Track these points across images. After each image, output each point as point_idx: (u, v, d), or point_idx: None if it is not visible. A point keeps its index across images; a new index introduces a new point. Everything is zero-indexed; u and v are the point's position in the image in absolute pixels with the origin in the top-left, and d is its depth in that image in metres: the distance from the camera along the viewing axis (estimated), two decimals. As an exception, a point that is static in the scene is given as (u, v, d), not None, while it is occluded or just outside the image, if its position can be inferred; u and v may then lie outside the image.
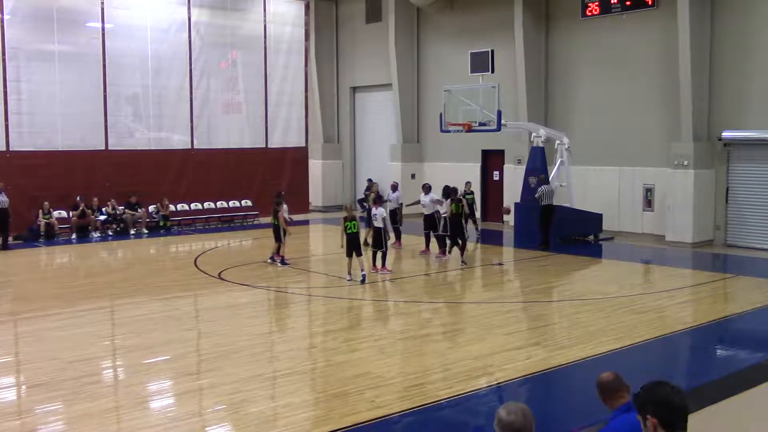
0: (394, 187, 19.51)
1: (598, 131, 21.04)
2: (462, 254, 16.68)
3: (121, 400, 8.05)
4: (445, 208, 16.76)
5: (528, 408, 3.37)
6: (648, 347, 9.98)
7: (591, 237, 19.87)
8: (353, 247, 14.21)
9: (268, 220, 17.51)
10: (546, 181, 18.43)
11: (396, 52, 25.91)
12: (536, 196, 18.20)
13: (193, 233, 22.35)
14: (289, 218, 16.91)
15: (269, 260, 16.38)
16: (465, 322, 11.60)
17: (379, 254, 15.38)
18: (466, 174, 24.19)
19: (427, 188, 17.83)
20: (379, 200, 16.09)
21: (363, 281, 14.15)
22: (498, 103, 18.55)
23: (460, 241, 16.82)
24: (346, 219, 14.44)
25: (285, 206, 16.55)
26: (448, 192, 17.14)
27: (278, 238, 16.21)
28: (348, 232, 14.25)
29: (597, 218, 19.85)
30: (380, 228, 15.24)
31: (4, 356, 9.90)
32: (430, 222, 17.52)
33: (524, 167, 20.31)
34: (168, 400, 8.23)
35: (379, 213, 15.24)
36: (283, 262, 16.16)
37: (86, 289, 14.41)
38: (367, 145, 29.04)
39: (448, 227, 16.78)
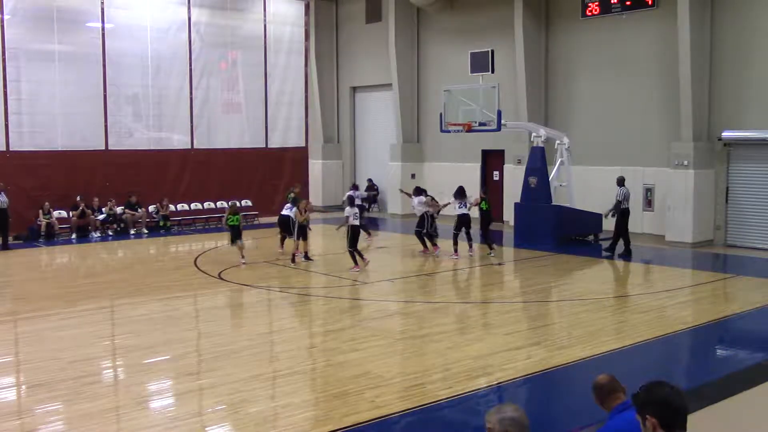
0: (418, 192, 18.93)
1: (598, 131, 21.05)
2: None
3: (121, 400, 8.05)
4: (466, 209, 17.31)
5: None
6: (648, 347, 9.98)
7: (591, 237, 19.87)
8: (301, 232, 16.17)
9: (273, 219, 17.64)
10: (623, 183, 17.57)
11: (396, 52, 25.92)
12: (619, 201, 17.37)
13: (193, 233, 22.35)
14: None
15: (304, 258, 16.64)
16: (465, 322, 11.60)
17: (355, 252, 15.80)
18: (467, 174, 24.23)
19: (416, 191, 18.48)
20: (350, 201, 16.51)
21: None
22: (498, 103, 18.55)
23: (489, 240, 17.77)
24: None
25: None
26: (462, 192, 17.48)
27: (304, 235, 16.68)
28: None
29: (597, 218, 19.83)
30: (357, 226, 15.80)
31: (4, 356, 9.91)
32: (421, 223, 17.90)
33: (524, 167, 20.30)
34: (168, 400, 8.23)
35: (351, 213, 15.73)
36: (298, 258, 16.60)
37: (86, 289, 14.41)
38: (367, 145, 29.05)
39: (483, 226, 17.53)
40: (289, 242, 17.15)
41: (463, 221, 17.25)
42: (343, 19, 29.13)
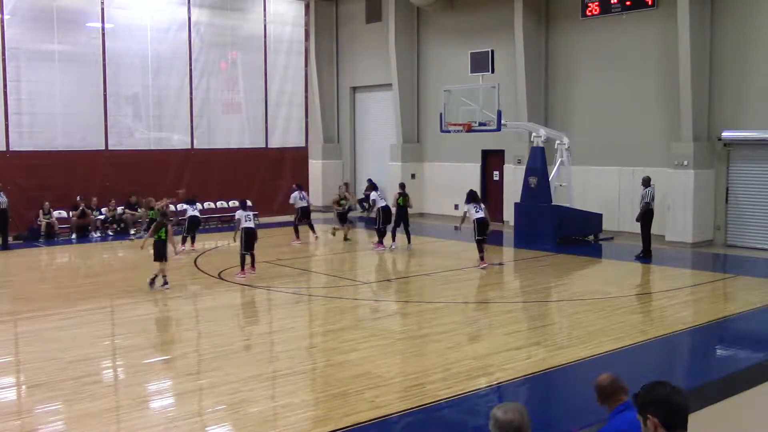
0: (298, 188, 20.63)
1: (598, 131, 21.04)
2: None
3: (121, 400, 8.05)
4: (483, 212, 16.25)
5: (524, 407, 3.37)
6: (648, 347, 9.98)
7: (591, 237, 19.88)
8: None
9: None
10: (649, 183, 17.35)
11: (396, 52, 25.91)
12: (648, 203, 17.13)
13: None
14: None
15: (153, 286, 13.73)
16: (465, 322, 11.59)
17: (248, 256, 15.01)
18: (466, 174, 24.27)
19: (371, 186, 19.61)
20: (244, 205, 15.81)
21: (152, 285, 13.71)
22: (498, 103, 18.55)
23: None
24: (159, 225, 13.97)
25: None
26: (476, 196, 16.72)
27: (164, 255, 13.75)
28: (157, 238, 13.72)
29: (597, 218, 19.85)
30: (255, 229, 15.10)
31: (4, 356, 9.91)
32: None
33: (524, 167, 20.31)
34: (168, 400, 8.23)
35: (243, 215, 15.08)
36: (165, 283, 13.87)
37: (86, 289, 14.41)
38: (367, 145, 29.04)
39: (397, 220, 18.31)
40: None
41: (482, 225, 15.91)
42: (343, 19, 29.12)
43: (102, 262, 18.68)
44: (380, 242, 18.54)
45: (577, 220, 19.64)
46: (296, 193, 20.19)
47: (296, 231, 19.84)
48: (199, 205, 20.05)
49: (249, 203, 18.01)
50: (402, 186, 19.36)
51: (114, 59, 22.35)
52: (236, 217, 15.44)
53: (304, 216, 20.10)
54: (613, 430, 4.22)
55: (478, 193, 18.09)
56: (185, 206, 19.37)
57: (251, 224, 15.06)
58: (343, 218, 20.29)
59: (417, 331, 10.88)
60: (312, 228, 20.46)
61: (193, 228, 18.81)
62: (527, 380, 8.55)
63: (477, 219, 15.85)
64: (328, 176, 29.15)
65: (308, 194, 21.64)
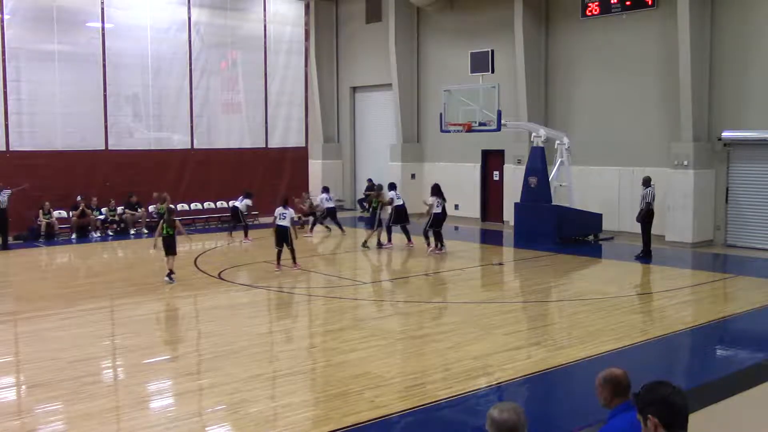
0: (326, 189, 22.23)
1: (598, 131, 21.03)
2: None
3: (121, 400, 8.05)
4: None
5: (520, 406, 3.36)
6: (648, 347, 9.98)
7: (591, 237, 19.88)
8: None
9: (269, 220, 17.57)
10: (649, 183, 17.29)
11: (396, 52, 25.91)
12: (648, 203, 17.10)
13: (193, 233, 22.30)
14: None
15: (170, 279, 14.31)
16: (465, 322, 11.58)
17: (286, 251, 15.62)
18: (467, 174, 24.26)
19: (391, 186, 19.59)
20: (282, 203, 16.18)
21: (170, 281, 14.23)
22: (498, 103, 18.55)
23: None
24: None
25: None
26: (439, 190, 17.98)
27: (174, 249, 14.50)
28: (165, 234, 14.42)
29: (597, 218, 19.85)
30: (286, 227, 15.55)
31: (4, 356, 9.91)
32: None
33: (524, 167, 20.30)
34: (168, 400, 8.23)
35: (288, 213, 15.70)
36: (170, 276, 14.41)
37: (86, 289, 14.41)
38: (367, 145, 29.04)
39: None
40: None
41: (438, 220, 17.68)
42: (343, 19, 29.12)
43: (102, 262, 18.68)
44: (389, 240, 18.72)
45: (577, 220, 19.64)
46: (323, 195, 22.01)
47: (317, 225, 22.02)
48: (247, 200, 20.97)
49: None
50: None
51: (114, 59, 22.35)
52: (275, 214, 16.04)
53: (329, 216, 21.78)
54: (614, 430, 4.21)
55: (442, 190, 18.16)
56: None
57: (280, 222, 15.65)
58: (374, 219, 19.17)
59: (417, 331, 10.88)
60: (339, 225, 21.81)
61: (234, 219, 21.10)
62: (527, 380, 8.55)
63: (435, 213, 17.60)
64: (328, 176, 29.13)
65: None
